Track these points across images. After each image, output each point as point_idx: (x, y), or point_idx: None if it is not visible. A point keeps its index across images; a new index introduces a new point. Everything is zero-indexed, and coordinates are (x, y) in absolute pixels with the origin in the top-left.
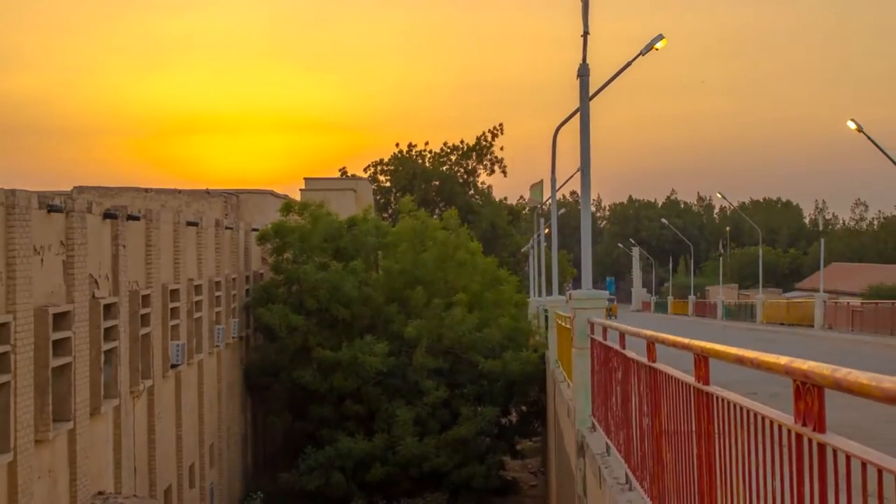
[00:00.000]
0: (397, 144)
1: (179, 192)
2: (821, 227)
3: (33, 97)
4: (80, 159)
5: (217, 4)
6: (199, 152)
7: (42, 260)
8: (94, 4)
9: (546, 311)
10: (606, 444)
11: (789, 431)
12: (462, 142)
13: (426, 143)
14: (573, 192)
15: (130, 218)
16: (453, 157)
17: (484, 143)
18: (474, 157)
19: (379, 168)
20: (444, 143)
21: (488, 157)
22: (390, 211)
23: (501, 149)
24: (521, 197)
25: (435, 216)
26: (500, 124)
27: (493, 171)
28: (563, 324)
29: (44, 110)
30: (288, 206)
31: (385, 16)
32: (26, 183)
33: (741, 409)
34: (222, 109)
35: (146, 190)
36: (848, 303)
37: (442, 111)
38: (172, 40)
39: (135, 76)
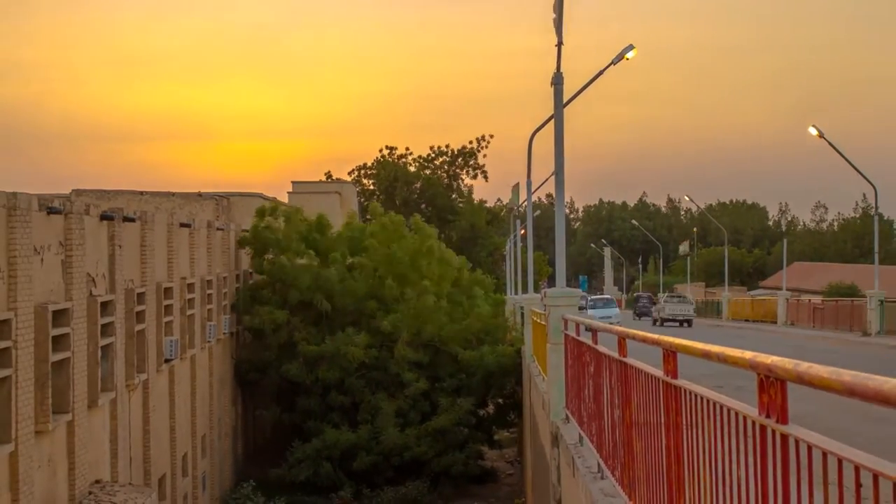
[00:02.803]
0: (380, 150)
1: (173, 195)
2: (783, 228)
3: (21, 103)
4: (67, 164)
5: (194, 18)
6: (184, 158)
7: (42, 259)
8: (74, 17)
9: (522, 308)
10: (579, 434)
11: (754, 423)
12: (447, 146)
13: (406, 148)
14: (548, 195)
15: (126, 219)
16: (438, 161)
17: (469, 150)
18: (459, 163)
19: (363, 172)
20: (431, 147)
21: (472, 163)
22: None
23: (485, 156)
24: (499, 199)
25: (408, 220)
26: (490, 135)
27: (475, 177)
28: (539, 320)
29: (30, 117)
30: (262, 210)
31: (368, 26)
32: (11, 186)
33: (708, 401)
34: (206, 116)
35: (141, 193)
36: (809, 300)
37: (424, 117)
38: (151, 52)
39: (116, 86)
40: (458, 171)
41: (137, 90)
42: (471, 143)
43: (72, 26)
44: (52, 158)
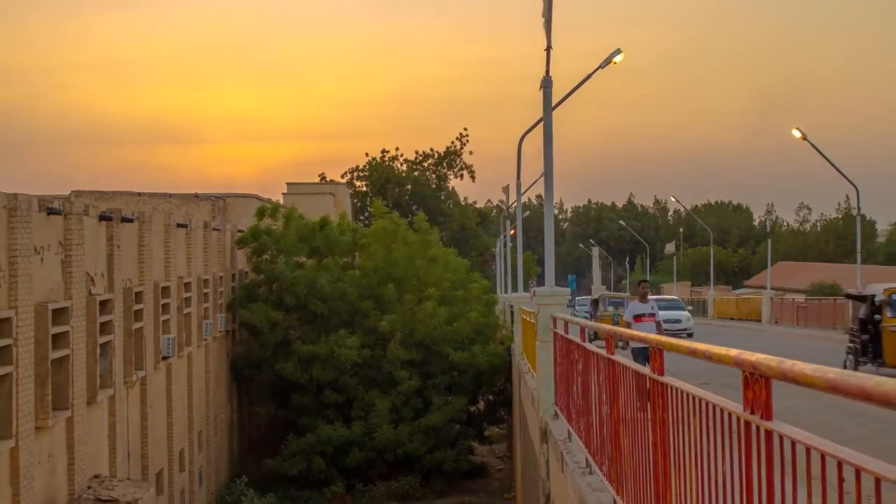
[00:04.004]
0: (367, 153)
1: (170, 196)
2: (768, 229)
3: (14, 106)
4: (63, 167)
5: (182, 22)
6: (175, 160)
7: (42, 259)
8: (66, 22)
9: (512, 306)
10: (568, 430)
11: (738, 419)
12: (432, 150)
13: (397, 149)
14: (538, 196)
15: (124, 220)
16: (426, 164)
17: (453, 150)
18: (445, 165)
19: (355, 174)
20: (417, 151)
21: (458, 163)
22: (367, 213)
23: (470, 153)
24: (489, 200)
25: (408, 219)
26: (465, 129)
27: (462, 177)
28: (528, 318)
29: (22, 120)
30: (262, 210)
31: (356, 31)
32: (11, 187)
33: (693, 398)
34: (195, 120)
35: (139, 194)
36: (793, 299)
37: (413, 121)
38: (137, 57)
39: (106, 90)
40: (445, 171)
41: (127, 95)
42: (452, 142)
43: (63, 31)
44: (50, 161)
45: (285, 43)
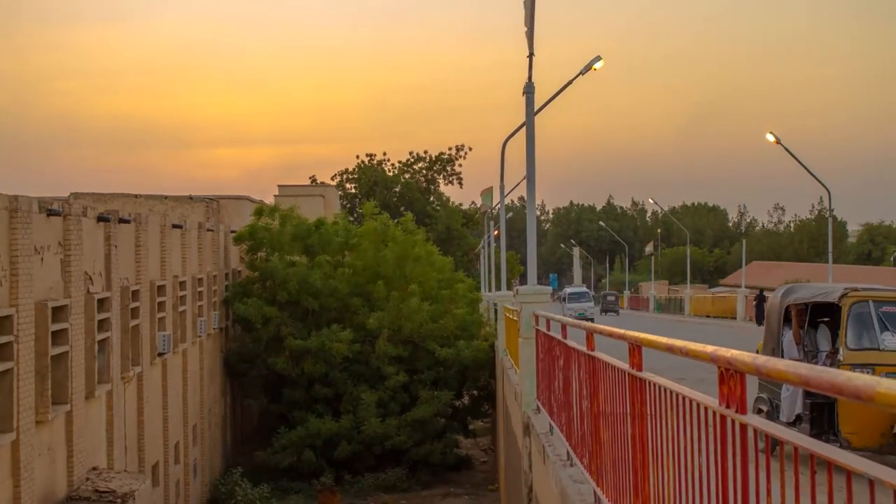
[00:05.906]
0: (357, 156)
1: (166, 198)
2: (742, 229)
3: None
4: (55, 170)
5: (159, 30)
6: (160, 164)
7: (42, 259)
8: (50, 28)
9: (495, 304)
10: (550, 424)
11: (714, 413)
12: (426, 152)
13: (384, 154)
14: (520, 198)
15: (122, 221)
16: (416, 167)
17: (447, 157)
18: (437, 168)
19: (345, 176)
20: (410, 153)
21: (449, 170)
22: (356, 215)
23: (461, 165)
24: (474, 202)
25: (395, 220)
26: (469, 147)
27: (451, 183)
28: (511, 316)
29: (15, 124)
30: (260, 210)
31: (345, 36)
32: (10, 189)
33: (671, 392)
34: (182, 124)
35: (136, 196)
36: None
37: (400, 125)
38: (126, 60)
39: (93, 96)
40: (435, 175)
41: (116, 100)
42: (449, 149)
43: (52, 39)
44: (42, 164)
45: (269, 51)
